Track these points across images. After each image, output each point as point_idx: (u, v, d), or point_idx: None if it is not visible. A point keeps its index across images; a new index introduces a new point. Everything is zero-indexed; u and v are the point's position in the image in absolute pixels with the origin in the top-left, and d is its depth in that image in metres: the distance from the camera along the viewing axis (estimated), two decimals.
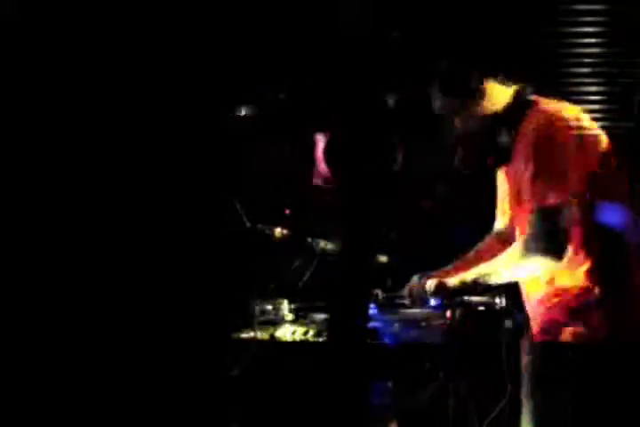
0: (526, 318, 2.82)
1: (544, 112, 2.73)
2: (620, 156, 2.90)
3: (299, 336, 2.82)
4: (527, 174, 2.66)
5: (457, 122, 2.85)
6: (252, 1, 3.23)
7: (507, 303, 3.19)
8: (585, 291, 2.68)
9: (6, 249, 2.03)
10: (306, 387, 2.67)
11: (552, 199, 2.61)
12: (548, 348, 2.70)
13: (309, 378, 2.67)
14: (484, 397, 3.38)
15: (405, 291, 2.93)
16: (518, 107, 2.80)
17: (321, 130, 2.95)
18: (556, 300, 2.71)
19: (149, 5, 2.07)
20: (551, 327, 2.71)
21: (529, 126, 2.72)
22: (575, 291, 2.69)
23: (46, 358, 2.01)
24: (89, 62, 2.05)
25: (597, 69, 4.38)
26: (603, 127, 4.20)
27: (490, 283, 2.77)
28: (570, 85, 4.43)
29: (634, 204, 2.93)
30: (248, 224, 3.08)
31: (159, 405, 2.03)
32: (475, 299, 3.25)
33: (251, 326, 2.88)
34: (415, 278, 2.98)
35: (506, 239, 3.06)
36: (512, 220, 2.97)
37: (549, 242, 2.63)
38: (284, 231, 3.14)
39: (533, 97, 2.85)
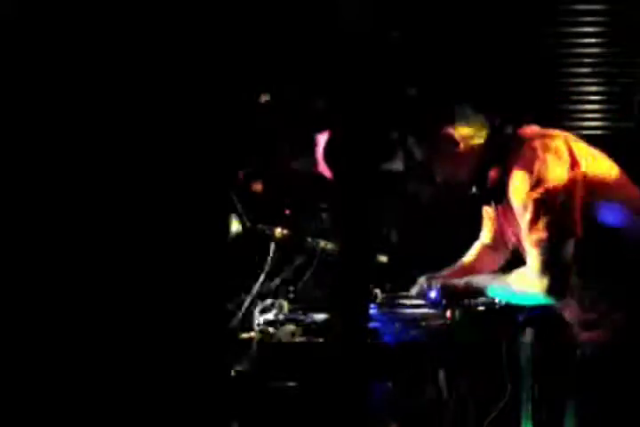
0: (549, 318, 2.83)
1: (532, 148, 2.69)
2: (621, 165, 2.87)
3: (298, 336, 2.82)
4: (527, 216, 2.63)
5: (441, 173, 2.84)
6: (251, 1, 3.23)
7: (507, 303, 3.20)
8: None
9: (4, 248, 2.03)
10: (306, 387, 2.67)
11: (554, 237, 2.59)
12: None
13: (309, 378, 2.67)
14: (483, 397, 3.38)
15: (414, 291, 2.94)
16: (500, 144, 2.77)
17: (321, 130, 2.95)
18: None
19: (149, 5, 2.07)
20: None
21: (520, 163, 2.68)
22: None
23: (46, 357, 2.01)
24: (89, 62, 2.05)
25: (597, 69, 4.38)
26: (603, 127, 4.20)
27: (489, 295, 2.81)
28: (570, 85, 4.43)
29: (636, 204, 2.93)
30: (248, 224, 3.08)
31: (158, 405, 2.03)
32: (475, 299, 3.25)
33: (251, 326, 2.88)
34: (422, 279, 2.98)
35: (493, 251, 3.08)
36: (499, 236, 2.99)
37: (552, 279, 2.62)
38: (284, 231, 3.14)
39: (514, 129, 2.82)
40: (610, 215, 2.71)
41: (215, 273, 2.13)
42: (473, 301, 3.23)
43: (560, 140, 2.73)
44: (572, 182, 2.63)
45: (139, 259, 2.06)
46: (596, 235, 2.66)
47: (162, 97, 2.08)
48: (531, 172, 2.63)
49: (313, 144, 3.05)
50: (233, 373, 2.66)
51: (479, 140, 2.79)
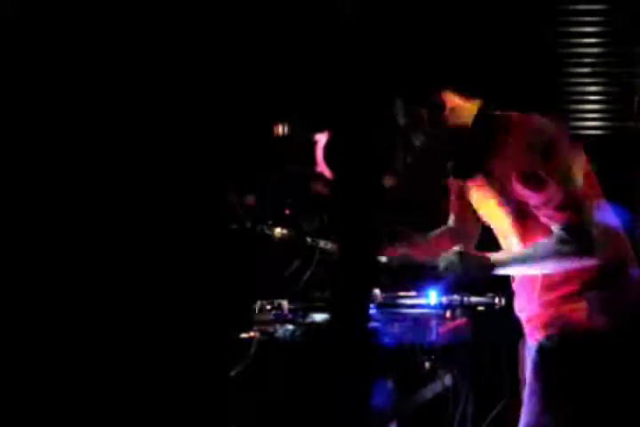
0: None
1: (522, 123, 2.74)
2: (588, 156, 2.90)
3: (299, 336, 2.82)
4: (540, 193, 2.65)
5: (420, 138, 2.84)
6: (251, 1, 3.23)
7: (507, 303, 3.20)
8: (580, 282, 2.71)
9: (4, 248, 2.03)
10: (306, 387, 2.67)
11: (569, 207, 2.62)
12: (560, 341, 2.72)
13: (309, 378, 2.67)
14: (483, 397, 3.38)
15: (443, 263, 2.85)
16: (487, 122, 2.79)
17: (321, 130, 2.95)
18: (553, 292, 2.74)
19: (149, 5, 2.07)
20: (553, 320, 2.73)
21: (510, 139, 2.71)
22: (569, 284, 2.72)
23: (45, 358, 2.01)
24: (90, 62, 2.05)
25: (597, 69, 4.38)
26: (603, 127, 4.19)
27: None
28: (570, 85, 4.43)
29: (635, 203, 2.94)
30: (248, 224, 3.08)
31: (158, 405, 2.03)
32: (475, 299, 3.25)
33: (251, 326, 2.88)
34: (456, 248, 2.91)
35: (456, 236, 3.07)
36: (463, 221, 3.00)
37: (582, 242, 2.64)
38: (284, 231, 3.14)
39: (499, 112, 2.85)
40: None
41: (215, 273, 2.13)
42: (472, 300, 3.23)
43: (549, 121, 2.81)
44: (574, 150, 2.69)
45: (138, 258, 2.06)
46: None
47: (162, 97, 2.08)
48: (537, 145, 2.68)
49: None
50: (233, 373, 2.66)
51: (467, 114, 2.81)
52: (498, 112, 2.84)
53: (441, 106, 2.78)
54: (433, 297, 3.17)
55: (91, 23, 2.05)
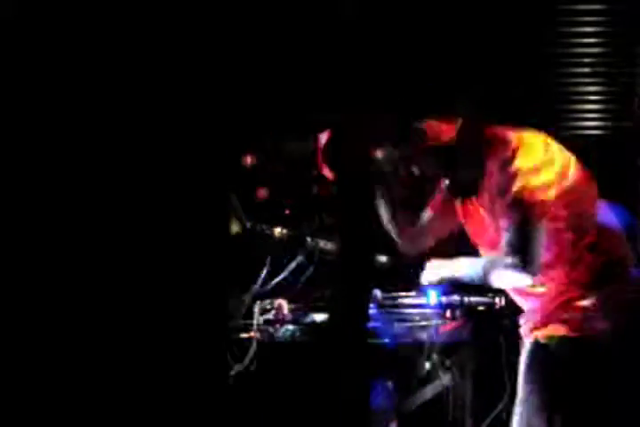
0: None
1: (507, 143, 2.72)
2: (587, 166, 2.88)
3: (298, 336, 2.82)
4: (505, 201, 2.65)
5: (412, 167, 2.85)
6: (251, 1, 3.23)
7: (507, 303, 3.19)
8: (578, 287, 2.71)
9: (4, 248, 2.03)
10: (306, 387, 2.67)
11: (524, 218, 2.62)
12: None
13: (309, 378, 2.67)
14: (483, 397, 3.38)
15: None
16: (473, 141, 2.78)
17: (321, 130, 2.95)
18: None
19: (149, 4, 2.07)
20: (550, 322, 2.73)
21: (495, 159, 2.71)
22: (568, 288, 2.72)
23: (44, 358, 2.01)
24: (90, 62, 2.05)
25: (597, 69, 4.38)
26: (603, 127, 4.20)
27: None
28: (570, 85, 4.43)
29: (635, 203, 2.94)
30: (248, 224, 3.08)
31: (158, 405, 2.03)
32: (474, 299, 3.25)
33: (251, 326, 2.88)
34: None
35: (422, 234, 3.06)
36: (441, 222, 2.98)
37: (524, 257, 2.64)
38: (284, 231, 3.14)
39: (486, 128, 2.84)
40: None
41: (215, 273, 2.13)
42: (472, 300, 3.23)
43: (534, 137, 2.77)
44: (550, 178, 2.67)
45: (137, 258, 2.06)
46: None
47: (162, 96, 2.08)
48: (510, 166, 2.66)
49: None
50: (232, 373, 2.66)
51: (449, 134, 2.79)
52: (479, 127, 2.83)
53: (422, 138, 2.76)
54: (433, 297, 3.16)
55: (90, 23, 2.05)
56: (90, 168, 2.04)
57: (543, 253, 2.64)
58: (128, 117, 2.05)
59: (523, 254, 2.63)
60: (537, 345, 2.73)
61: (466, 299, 3.19)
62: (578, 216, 2.71)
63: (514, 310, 2.93)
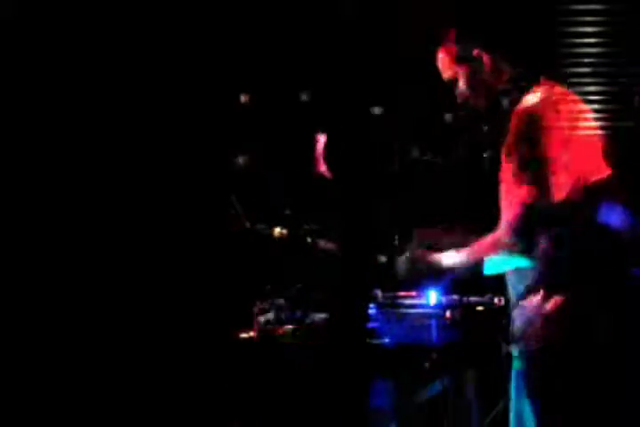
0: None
1: (533, 97, 2.75)
2: (615, 156, 2.89)
3: (298, 336, 2.82)
4: (511, 167, 2.66)
5: (459, 93, 2.87)
6: (251, 1, 3.23)
7: (506, 303, 3.19)
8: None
9: (6, 249, 2.03)
10: (306, 387, 2.67)
11: (530, 197, 2.62)
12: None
13: (309, 378, 2.67)
14: (484, 397, 3.38)
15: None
16: (516, 87, 2.81)
17: (321, 130, 2.94)
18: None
19: (149, 4, 2.07)
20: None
21: (519, 108, 2.73)
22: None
23: (48, 358, 2.01)
24: (89, 62, 2.05)
25: (597, 69, 4.38)
26: (602, 127, 4.21)
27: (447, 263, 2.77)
28: (570, 85, 4.42)
29: (635, 203, 2.93)
30: (248, 224, 3.08)
31: (160, 404, 2.03)
32: (475, 299, 3.25)
33: (251, 326, 2.88)
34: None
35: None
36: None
37: (518, 238, 2.64)
38: (284, 231, 3.14)
39: (539, 80, 2.87)
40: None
41: (215, 273, 2.13)
42: (472, 300, 3.23)
43: (572, 102, 2.80)
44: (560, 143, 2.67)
45: (139, 259, 2.07)
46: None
47: (162, 96, 2.09)
48: (523, 123, 2.68)
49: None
50: (233, 373, 2.66)
51: (503, 76, 2.83)
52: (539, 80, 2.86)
53: (481, 63, 2.80)
54: (433, 297, 3.16)
55: (90, 23, 2.05)
56: (89, 168, 2.04)
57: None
58: (128, 117, 2.05)
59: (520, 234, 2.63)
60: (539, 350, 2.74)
61: (466, 299, 3.19)
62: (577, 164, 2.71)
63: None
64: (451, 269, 2.78)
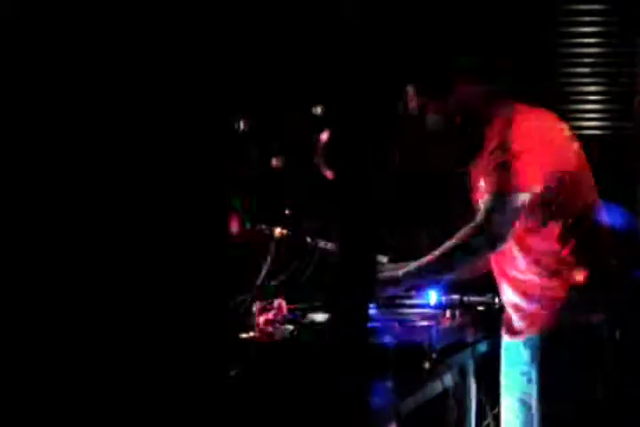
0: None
1: (508, 116, 2.77)
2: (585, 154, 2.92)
3: (299, 336, 2.82)
4: (490, 166, 2.70)
5: (426, 122, 2.88)
6: (251, 2, 3.22)
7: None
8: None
9: (4, 249, 2.03)
10: (306, 387, 2.67)
11: (508, 186, 2.66)
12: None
13: (309, 378, 2.67)
14: (484, 397, 3.38)
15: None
16: (487, 109, 2.83)
17: (321, 129, 2.95)
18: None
19: (149, 5, 2.07)
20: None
21: (493, 132, 2.75)
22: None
23: (44, 359, 2.01)
24: (90, 62, 2.05)
25: (597, 69, 4.38)
26: (602, 127, 4.19)
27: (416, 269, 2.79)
28: (570, 85, 4.43)
29: (635, 203, 2.94)
30: (248, 224, 3.08)
31: (158, 405, 2.03)
32: (475, 299, 3.26)
33: (251, 326, 2.88)
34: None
35: None
36: None
37: (493, 228, 2.68)
38: (284, 231, 3.14)
39: (509, 103, 2.88)
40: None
41: (215, 273, 2.13)
42: (472, 300, 3.23)
43: (549, 118, 2.82)
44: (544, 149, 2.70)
45: (137, 259, 2.06)
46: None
47: (163, 96, 2.08)
48: (503, 137, 2.71)
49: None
50: (232, 373, 2.66)
51: (473, 100, 2.85)
52: (508, 102, 2.87)
53: (451, 92, 2.81)
54: (433, 297, 3.17)
55: (90, 23, 2.05)
56: (89, 169, 2.04)
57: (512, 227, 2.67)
58: (128, 117, 2.05)
59: (492, 225, 2.66)
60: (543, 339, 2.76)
61: (466, 299, 3.20)
62: (564, 197, 2.73)
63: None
64: (430, 269, 2.82)
